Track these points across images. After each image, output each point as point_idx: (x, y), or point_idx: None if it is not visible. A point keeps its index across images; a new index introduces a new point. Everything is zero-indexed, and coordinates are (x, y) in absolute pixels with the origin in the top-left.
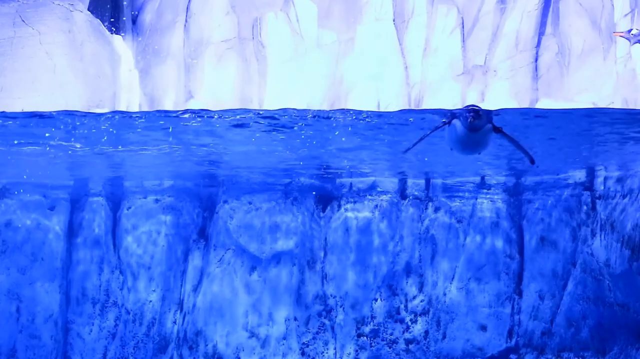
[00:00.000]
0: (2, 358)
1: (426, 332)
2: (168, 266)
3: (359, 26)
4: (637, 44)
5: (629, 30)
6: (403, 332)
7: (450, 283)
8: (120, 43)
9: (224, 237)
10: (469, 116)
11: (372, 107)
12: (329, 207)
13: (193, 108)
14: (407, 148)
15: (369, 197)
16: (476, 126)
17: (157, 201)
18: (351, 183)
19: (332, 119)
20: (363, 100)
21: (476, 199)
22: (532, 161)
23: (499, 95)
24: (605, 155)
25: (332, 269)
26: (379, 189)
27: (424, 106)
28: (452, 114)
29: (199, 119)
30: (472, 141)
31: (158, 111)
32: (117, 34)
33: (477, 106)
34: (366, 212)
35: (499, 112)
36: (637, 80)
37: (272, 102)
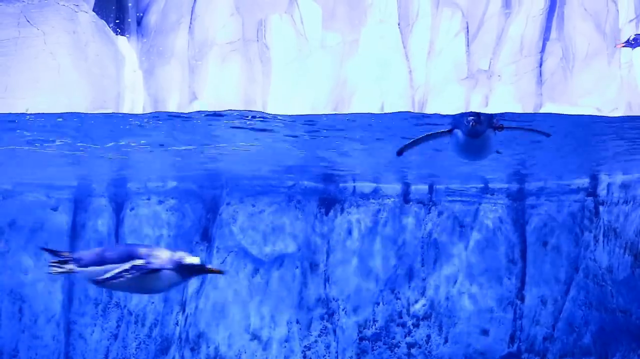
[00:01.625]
0: (4, 358)
1: (428, 336)
2: None
3: (363, 28)
4: (638, 47)
5: (628, 40)
6: (405, 336)
7: (453, 287)
8: (125, 44)
9: (227, 239)
10: (470, 120)
11: (376, 110)
12: (332, 211)
13: (197, 109)
14: (401, 148)
15: (372, 200)
16: (477, 131)
17: (160, 202)
18: (354, 187)
19: (336, 121)
20: (367, 102)
21: (479, 204)
22: (548, 134)
23: (503, 99)
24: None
25: (335, 272)
26: (382, 193)
27: (428, 109)
28: (453, 124)
29: (203, 119)
30: (476, 147)
31: (165, 112)
32: (121, 35)
33: (476, 112)
34: (369, 215)
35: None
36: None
37: (275, 104)
